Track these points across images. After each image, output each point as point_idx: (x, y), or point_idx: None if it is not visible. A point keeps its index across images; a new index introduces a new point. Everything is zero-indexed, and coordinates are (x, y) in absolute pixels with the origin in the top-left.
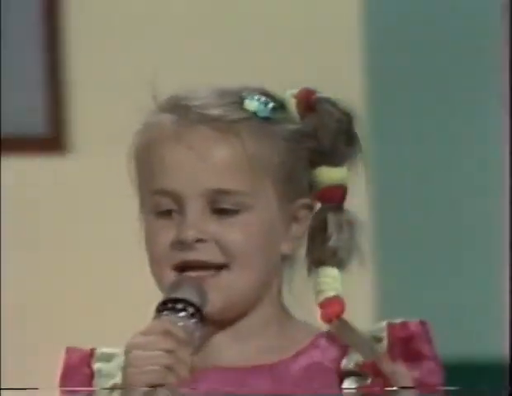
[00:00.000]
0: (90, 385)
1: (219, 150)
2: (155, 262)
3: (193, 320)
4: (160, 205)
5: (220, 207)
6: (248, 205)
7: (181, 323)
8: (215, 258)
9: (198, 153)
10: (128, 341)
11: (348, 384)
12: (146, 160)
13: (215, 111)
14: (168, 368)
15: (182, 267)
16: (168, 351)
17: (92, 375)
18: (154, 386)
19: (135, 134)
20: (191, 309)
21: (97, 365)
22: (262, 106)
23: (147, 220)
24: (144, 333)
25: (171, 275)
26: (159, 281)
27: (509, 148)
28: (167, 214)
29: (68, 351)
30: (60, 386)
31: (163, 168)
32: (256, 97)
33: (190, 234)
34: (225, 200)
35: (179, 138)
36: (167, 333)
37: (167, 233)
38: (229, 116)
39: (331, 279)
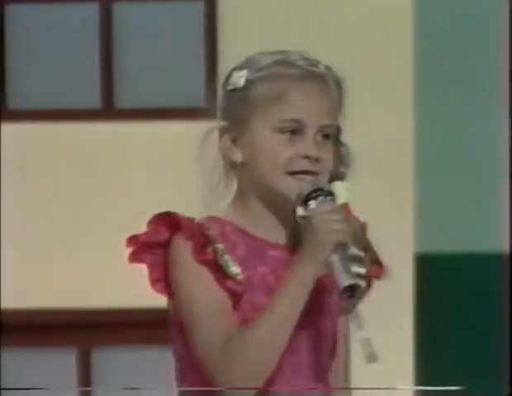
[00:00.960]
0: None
1: (324, 95)
2: (272, 168)
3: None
4: (285, 127)
5: (324, 134)
6: (333, 133)
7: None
8: (318, 169)
9: (316, 96)
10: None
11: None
12: (276, 97)
13: (316, 69)
14: (348, 232)
15: (293, 173)
16: (345, 220)
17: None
18: (339, 244)
19: (264, 77)
20: (330, 195)
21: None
22: (329, 67)
23: (266, 139)
24: (326, 211)
25: (286, 179)
26: (272, 182)
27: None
28: (290, 133)
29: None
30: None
31: (293, 104)
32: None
33: (314, 152)
34: (327, 130)
35: (302, 86)
36: (340, 209)
37: (289, 147)
38: (324, 73)
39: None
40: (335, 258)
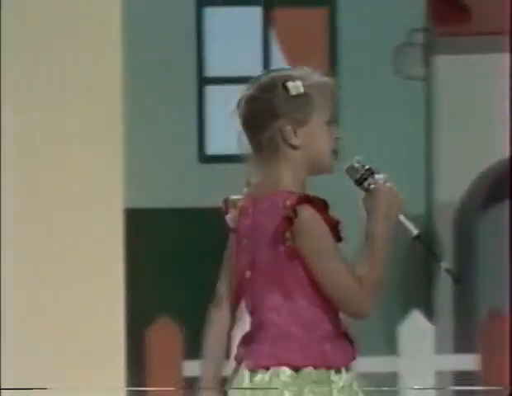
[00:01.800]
0: None
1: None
2: (325, 149)
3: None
4: (330, 121)
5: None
6: None
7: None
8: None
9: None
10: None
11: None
12: (327, 100)
13: (329, 79)
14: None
15: (333, 151)
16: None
17: None
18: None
19: (313, 85)
20: (377, 172)
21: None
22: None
23: (319, 128)
24: (391, 185)
25: (331, 156)
26: (325, 159)
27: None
28: (329, 124)
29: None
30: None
31: (332, 104)
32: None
33: (340, 135)
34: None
35: (330, 90)
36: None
37: (331, 133)
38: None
39: None
40: (402, 217)
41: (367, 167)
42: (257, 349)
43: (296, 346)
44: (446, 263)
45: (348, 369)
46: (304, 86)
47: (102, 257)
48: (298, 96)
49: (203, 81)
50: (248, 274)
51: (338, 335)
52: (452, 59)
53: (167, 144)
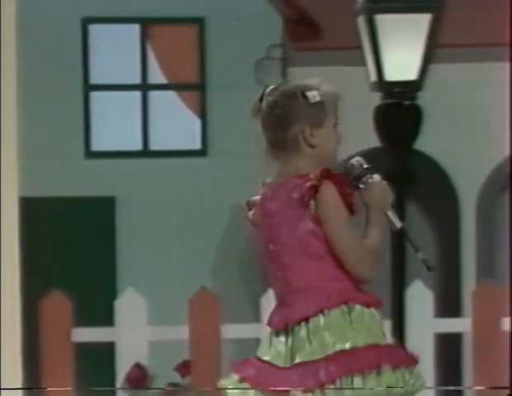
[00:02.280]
0: None
1: None
2: (334, 148)
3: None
4: (336, 124)
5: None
6: None
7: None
8: None
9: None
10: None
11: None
12: (332, 105)
13: (335, 90)
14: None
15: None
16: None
17: None
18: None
19: (325, 94)
20: (373, 171)
21: None
22: None
23: (330, 131)
24: (385, 183)
25: (337, 154)
26: (333, 156)
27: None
28: (335, 127)
29: None
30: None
31: (336, 110)
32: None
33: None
34: None
35: (338, 99)
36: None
37: (337, 134)
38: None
39: None
40: (390, 212)
41: (365, 166)
42: (293, 308)
43: (323, 295)
44: (422, 254)
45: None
46: (320, 94)
47: None
48: (316, 103)
49: (88, 87)
50: (271, 247)
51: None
52: (305, 71)
53: (58, 141)
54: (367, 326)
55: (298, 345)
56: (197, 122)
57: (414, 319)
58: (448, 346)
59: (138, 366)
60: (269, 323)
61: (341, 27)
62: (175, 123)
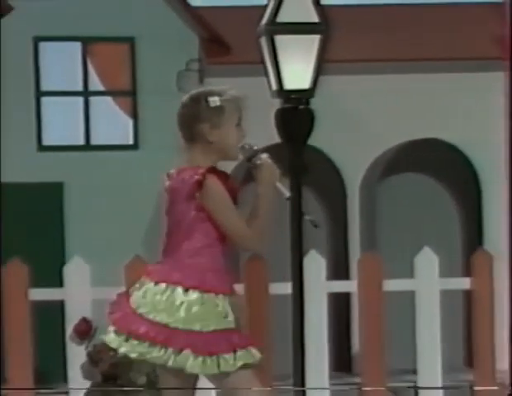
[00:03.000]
0: None
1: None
2: (234, 144)
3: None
4: (238, 123)
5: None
6: None
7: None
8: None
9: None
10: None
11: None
12: (236, 110)
13: (240, 95)
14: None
15: (240, 146)
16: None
17: None
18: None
19: (227, 100)
20: (262, 153)
21: None
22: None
23: (229, 130)
24: (272, 162)
25: (237, 149)
26: (234, 151)
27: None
28: (237, 126)
29: None
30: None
31: (239, 112)
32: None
33: (245, 133)
34: None
35: (242, 103)
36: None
37: (238, 132)
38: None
39: None
40: (279, 184)
41: (255, 148)
42: (162, 269)
43: (188, 272)
44: (309, 216)
45: (227, 294)
46: (220, 100)
47: None
48: (215, 107)
49: (40, 94)
50: (167, 216)
51: (220, 268)
52: (218, 81)
53: (15, 137)
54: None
55: (146, 297)
56: (130, 122)
57: (310, 282)
58: (339, 304)
59: (84, 320)
60: (147, 273)
61: (247, 45)
62: (111, 122)
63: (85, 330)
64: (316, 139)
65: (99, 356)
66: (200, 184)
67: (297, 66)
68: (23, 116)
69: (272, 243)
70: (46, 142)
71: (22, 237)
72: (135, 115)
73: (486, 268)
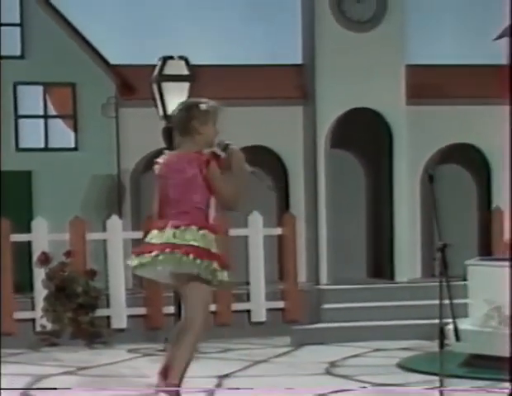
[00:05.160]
0: None
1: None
2: (213, 137)
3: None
4: (215, 122)
5: None
6: None
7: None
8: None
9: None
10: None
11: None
12: (214, 114)
13: (217, 105)
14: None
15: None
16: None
17: None
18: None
19: (210, 106)
20: (232, 144)
21: None
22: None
23: (211, 127)
24: (239, 149)
25: (214, 141)
26: (213, 140)
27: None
28: (214, 126)
29: None
30: None
31: (216, 116)
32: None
33: (218, 130)
34: None
35: (218, 110)
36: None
37: (215, 131)
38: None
39: None
40: (248, 167)
41: (226, 142)
42: (173, 219)
43: (189, 217)
44: (267, 182)
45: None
46: (206, 106)
47: None
48: (203, 110)
49: (17, 117)
50: (171, 182)
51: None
52: (129, 111)
53: (3, 143)
54: (202, 239)
55: (168, 235)
56: (72, 134)
57: (251, 229)
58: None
59: (43, 253)
60: (155, 226)
61: (145, 88)
62: (61, 134)
63: (44, 259)
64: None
65: (53, 275)
66: (208, 163)
67: (175, 100)
68: (6, 131)
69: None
70: (21, 146)
71: (4, 202)
72: (75, 130)
73: (291, 222)
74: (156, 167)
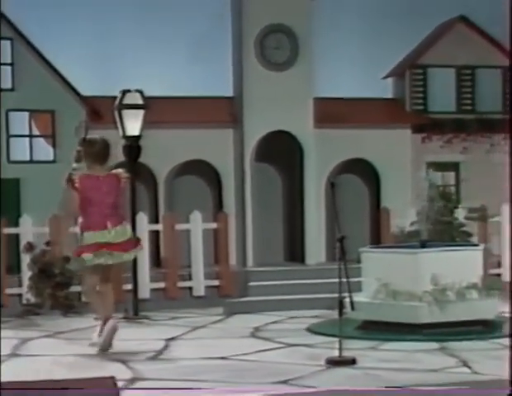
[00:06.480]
0: None
1: None
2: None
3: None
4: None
5: None
6: None
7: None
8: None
9: None
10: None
11: None
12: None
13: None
14: None
15: None
16: None
17: None
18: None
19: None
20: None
21: None
22: None
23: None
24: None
25: None
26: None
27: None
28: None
29: None
30: None
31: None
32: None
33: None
34: None
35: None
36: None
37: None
38: None
39: None
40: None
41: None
42: (101, 221)
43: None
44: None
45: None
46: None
47: None
48: (104, 146)
49: (9, 136)
50: (97, 196)
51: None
52: (97, 132)
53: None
54: (125, 234)
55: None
56: (52, 149)
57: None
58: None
59: (28, 243)
60: (87, 228)
61: (110, 114)
62: (43, 150)
63: (29, 247)
64: (143, 159)
65: (36, 260)
66: (127, 179)
67: (132, 124)
68: (1, 146)
69: None
70: (12, 159)
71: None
72: (54, 146)
73: (224, 218)
74: (75, 183)
